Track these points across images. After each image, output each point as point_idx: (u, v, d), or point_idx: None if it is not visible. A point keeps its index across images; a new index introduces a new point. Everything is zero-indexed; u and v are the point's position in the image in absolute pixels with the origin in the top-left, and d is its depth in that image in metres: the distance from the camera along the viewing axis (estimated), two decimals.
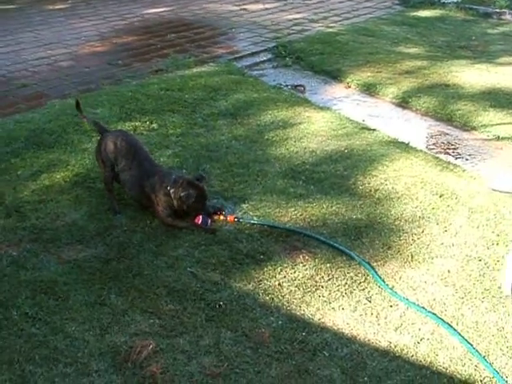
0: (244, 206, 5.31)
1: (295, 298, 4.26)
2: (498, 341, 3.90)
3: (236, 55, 9.62)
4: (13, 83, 8.27)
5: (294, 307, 4.18)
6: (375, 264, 4.60)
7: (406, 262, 4.65)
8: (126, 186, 5.26)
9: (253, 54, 9.75)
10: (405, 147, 6.52)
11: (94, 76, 8.55)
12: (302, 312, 4.14)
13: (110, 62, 9.15)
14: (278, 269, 4.54)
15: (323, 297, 4.28)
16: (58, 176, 5.73)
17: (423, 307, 4.17)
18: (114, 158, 5.25)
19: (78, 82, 8.31)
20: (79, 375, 3.62)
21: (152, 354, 3.74)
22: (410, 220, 5.15)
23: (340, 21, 11.63)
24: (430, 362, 3.74)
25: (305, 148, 6.36)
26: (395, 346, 3.86)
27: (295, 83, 8.61)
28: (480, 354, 3.77)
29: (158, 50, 9.83)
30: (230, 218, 5.09)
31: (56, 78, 8.49)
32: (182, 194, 4.94)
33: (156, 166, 5.30)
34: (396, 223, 5.11)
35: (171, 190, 4.98)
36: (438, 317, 4.08)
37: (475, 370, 3.69)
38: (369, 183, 5.68)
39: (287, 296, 4.28)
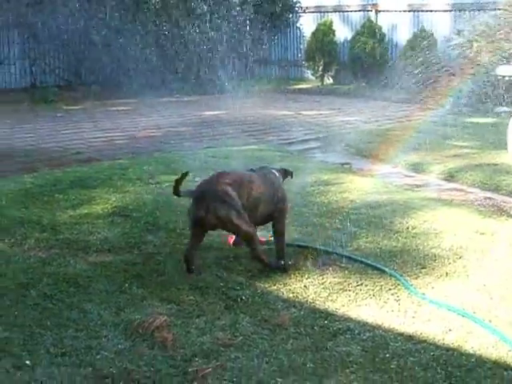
0: None
1: (320, 297, 4.10)
2: None
3: (286, 141, 9.82)
4: (68, 152, 8.60)
5: (318, 303, 4.02)
6: (407, 278, 4.42)
7: (439, 278, 4.45)
8: None
9: (303, 142, 9.95)
10: (448, 202, 6.41)
11: (145, 149, 8.81)
12: (326, 307, 3.97)
13: (162, 141, 9.45)
14: (306, 275, 4.41)
15: (349, 297, 4.11)
16: (96, 207, 5.83)
17: (453, 306, 3.95)
18: None
19: (129, 151, 8.58)
20: (88, 339, 3.52)
21: (165, 326, 3.61)
22: (447, 249, 4.96)
23: (392, 123, 11.81)
24: (459, 346, 3.49)
25: (344, 198, 6.31)
26: (421, 333, 3.63)
27: (342, 162, 8.66)
28: None
29: (210, 136, 10.13)
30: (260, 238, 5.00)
31: (109, 149, 8.81)
32: None
33: None
34: (432, 251, 4.93)
35: None
36: (469, 314, 3.84)
37: (507, 354, 3.42)
38: (407, 222, 5.55)
39: (312, 295, 4.13)
